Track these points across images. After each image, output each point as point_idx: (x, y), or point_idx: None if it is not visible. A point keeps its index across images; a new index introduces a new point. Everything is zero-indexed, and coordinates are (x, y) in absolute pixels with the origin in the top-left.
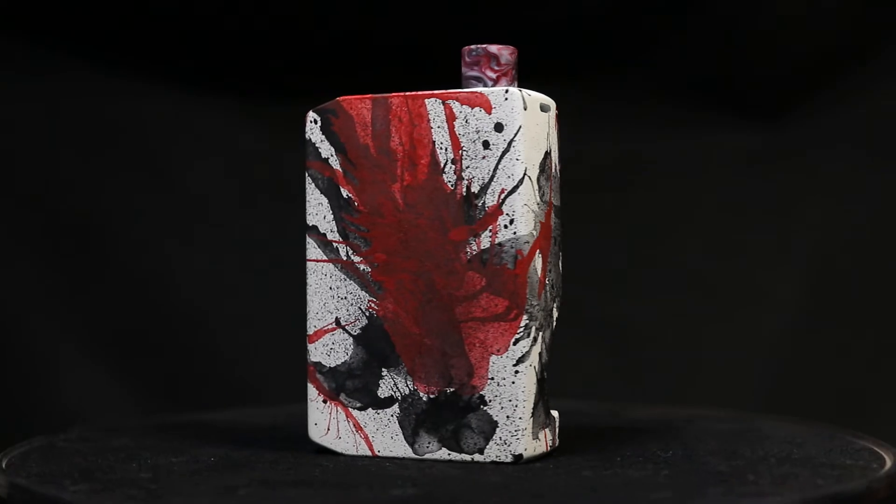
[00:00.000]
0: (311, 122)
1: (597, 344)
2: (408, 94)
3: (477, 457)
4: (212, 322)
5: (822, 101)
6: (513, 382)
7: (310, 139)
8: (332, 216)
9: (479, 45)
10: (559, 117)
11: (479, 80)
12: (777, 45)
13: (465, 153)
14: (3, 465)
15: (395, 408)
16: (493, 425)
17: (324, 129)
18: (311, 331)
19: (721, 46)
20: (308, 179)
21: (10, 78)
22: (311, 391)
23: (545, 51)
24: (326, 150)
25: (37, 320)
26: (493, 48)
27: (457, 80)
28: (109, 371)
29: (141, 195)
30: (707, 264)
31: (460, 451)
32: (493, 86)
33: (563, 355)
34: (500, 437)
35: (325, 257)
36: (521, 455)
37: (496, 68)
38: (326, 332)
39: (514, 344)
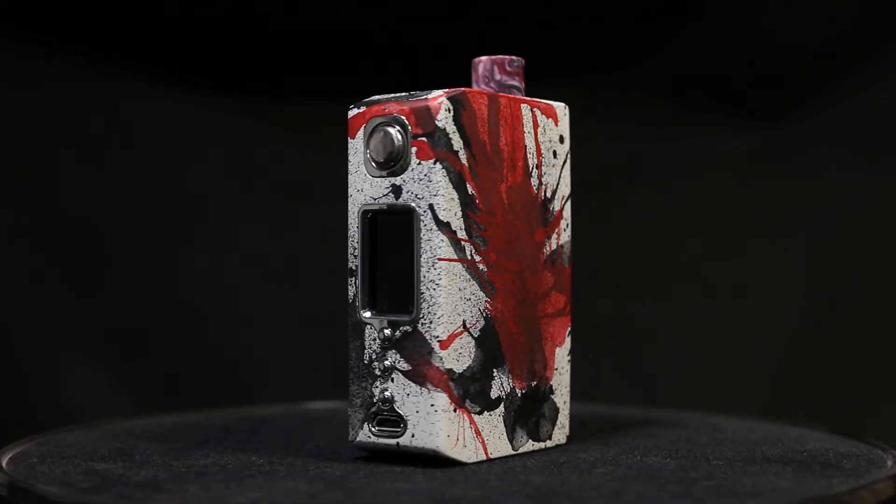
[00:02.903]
0: (445, 110)
1: (596, 344)
2: (510, 96)
3: (548, 443)
4: (212, 322)
5: (822, 101)
6: (567, 371)
7: (444, 129)
8: (461, 213)
9: (516, 57)
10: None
11: (519, 90)
12: (777, 45)
13: (543, 160)
14: (3, 465)
15: (501, 407)
16: (556, 412)
17: (455, 120)
18: (443, 336)
19: (721, 46)
20: (442, 172)
21: (10, 78)
22: (442, 400)
23: (545, 51)
24: (457, 142)
25: (37, 320)
26: (522, 60)
27: (458, 81)
28: (109, 371)
29: (141, 195)
30: (707, 264)
31: (539, 439)
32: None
33: None
34: (560, 422)
35: (455, 256)
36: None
37: (523, 80)
38: (456, 335)
39: (568, 336)
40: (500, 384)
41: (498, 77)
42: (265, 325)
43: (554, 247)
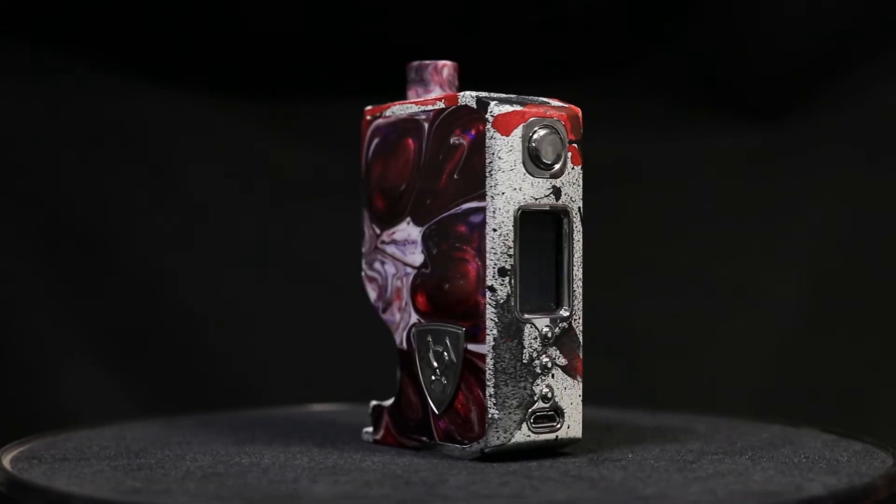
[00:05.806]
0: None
1: (596, 345)
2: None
3: None
4: (212, 322)
5: (822, 101)
6: None
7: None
8: None
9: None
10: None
11: None
12: (777, 45)
13: None
14: (3, 464)
15: None
16: None
17: None
18: (582, 330)
19: (721, 46)
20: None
21: (10, 78)
22: (581, 390)
23: (544, 51)
24: None
25: (37, 320)
26: None
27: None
28: (109, 371)
29: (141, 195)
30: (707, 264)
31: None
32: None
33: None
34: None
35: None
36: None
37: None
38: None
39: None
40: None
41: (456, 83)
42: (265, 325)
43: None
